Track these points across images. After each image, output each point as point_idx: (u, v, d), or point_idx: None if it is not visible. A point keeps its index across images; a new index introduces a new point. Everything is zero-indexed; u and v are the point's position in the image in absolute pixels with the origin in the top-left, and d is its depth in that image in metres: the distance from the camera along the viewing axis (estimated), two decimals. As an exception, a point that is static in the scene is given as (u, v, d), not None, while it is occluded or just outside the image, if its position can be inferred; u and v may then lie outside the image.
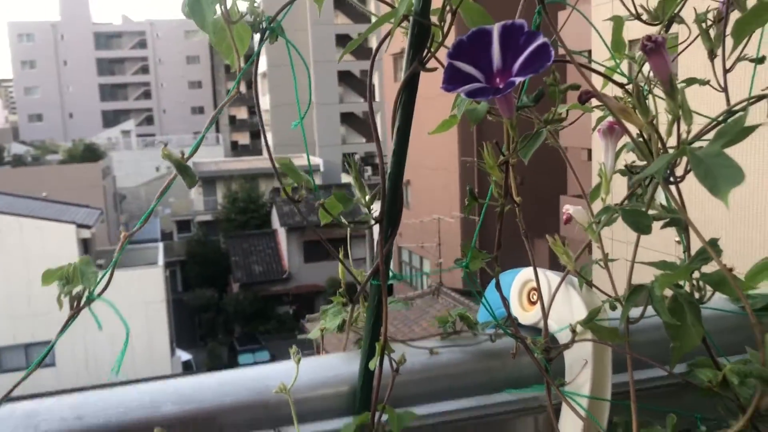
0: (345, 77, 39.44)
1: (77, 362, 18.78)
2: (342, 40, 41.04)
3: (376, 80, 40.30)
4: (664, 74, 0.62)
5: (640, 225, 0.71)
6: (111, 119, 55.39)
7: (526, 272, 0.82)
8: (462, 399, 0.74)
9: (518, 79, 0.57)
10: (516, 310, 0.82)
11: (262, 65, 40.58)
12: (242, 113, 52.48)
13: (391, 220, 0.67)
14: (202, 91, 54.81)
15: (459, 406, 0.74)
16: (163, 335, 22.04)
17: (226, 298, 27.93)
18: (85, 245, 22.51)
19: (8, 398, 0.65)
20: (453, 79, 0.58)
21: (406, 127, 0.66)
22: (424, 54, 0.64)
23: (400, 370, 0.72)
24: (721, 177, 0.55)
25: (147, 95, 56.00)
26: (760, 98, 0.75)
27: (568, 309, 0.75)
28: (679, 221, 0.73)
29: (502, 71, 0.59)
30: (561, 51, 0.69)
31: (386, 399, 0.68)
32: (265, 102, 41.56)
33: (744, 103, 0.77)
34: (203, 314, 27.64)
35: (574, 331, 0.70)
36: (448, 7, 0.61)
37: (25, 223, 20.89)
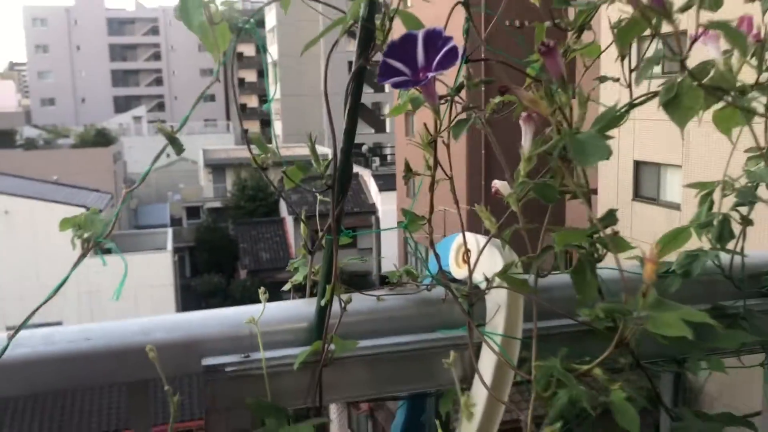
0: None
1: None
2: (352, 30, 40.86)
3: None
4: (556, 72, 0.78)
5: (547, 196, 0.87)
6: (122, 105, 55.71)
7: (467, 235, 0.98)
8: (401, 335, 0.90)
9: (434, 74, 0.73)
10: (453, 267, 0.97)
11: (273, 55, 40.71)
12: (253, 102, 52.63)
13: (341, 185, 0.83)
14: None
15: (398, 341, 0.90)
16: (170, 319, 22.36)
17: (233, 284, 28.20)
18: (95, 229, 22.76)
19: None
20: (386, 73, 0.74)
21: (354, 111, 0.82)
22: (369, 52, 0.80)
23: (351, 311, 0.88)
24: (590, 152, 0.71)
25: (159, 82, 56.30)
26: (655, 94, 0.90)
27: (491, 265, 0.91)
28: (583, 194, 0.88)
29: (425, 67, 0.75)
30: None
31: (334, 331, 0.84)
32: (275, 91, 41.67)
33: (643, 98, 0.92)
34: (210, 300, 27.92)
35: (487, 281, 0.86)
36: (386, 16, 0.77)
37: (36, 206, 21.15)
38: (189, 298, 27.96)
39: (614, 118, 0.75)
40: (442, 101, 0.79)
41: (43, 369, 0.80)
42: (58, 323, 0.85)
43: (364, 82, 0.82)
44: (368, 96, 39.02)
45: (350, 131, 0.82)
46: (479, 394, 0.89)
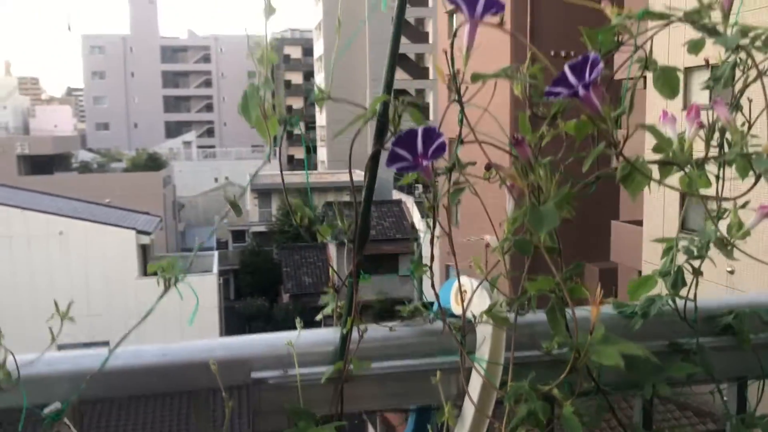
0: (399, 95, 40.04)
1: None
2: (399, 60, 41.51)
3: (431, 99, 40.63)
4: (524, 156, 1.02)
5: (524, 249, 1.10)
6: (173, 130, 57.41)
7: (463, 279, 1.21)
8: (408, 359, 1.14)
9: (429, 161, 0.97)
10: (453, 305, 1.20)
11: (320, 82, 41.60)
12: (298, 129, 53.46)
13: (360, 239, 1.08)
14: (261, 105, 56.28)
15: (405, 363, 1.13)
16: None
17: (275, 308, 28.68)
18: (144, 250, 23.49)
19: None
20: (393, 159, 0.99)
21: (371, 185, 1.07)
22: (384, 138, 1.05)
23: (367, 338, 1.12)
24: (544, 222, 0.94)
25: (209, 108, 57.95)
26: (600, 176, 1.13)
27: (481, 304, 1.14)
28: (553, 249, 1.11)
29: (423, 154, 0.99)
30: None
31: (353, 354, 1.08)
32: (320, 118, 42.56)
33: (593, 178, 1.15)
34: (253, 322, 28.47)
35: (474, 317, 1.09)
36: (396, 113, 1.02)
37: (88, 227, 21.94)
38: (232, 320, 28.52)
39: (566, 195, 0.98)
40: (439, 174, 1.03)
41: (132, 378, 1.06)
42: (105, 343, 1.06)
43: (379, 162, 1.07)
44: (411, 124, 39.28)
45: (367, 200, 1.07)
46: (469, 408, 1.12)
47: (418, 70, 42.58)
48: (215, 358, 1.08)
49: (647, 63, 1.17)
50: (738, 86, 1.26)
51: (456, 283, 1.22)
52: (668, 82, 1.18)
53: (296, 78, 52.13)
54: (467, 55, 1.03)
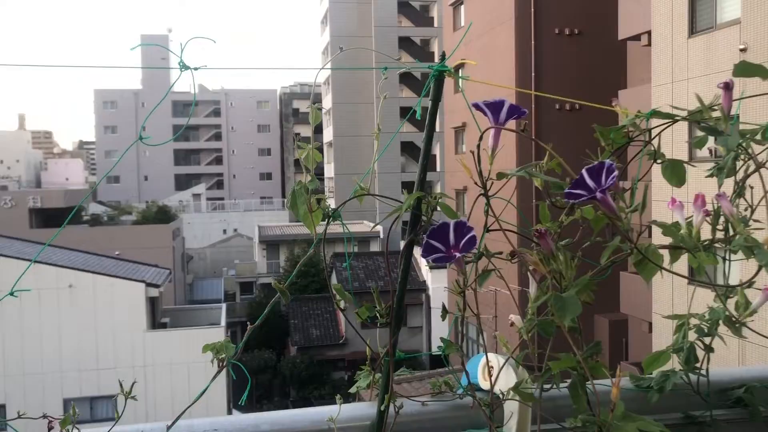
0: (407, 148, 40.62)
1: (138, 418, 19.46)
2: (405, 112, 42.32)
3: (437, 151, 41.14)
4: (547, 248, 1.12)
5: (547, 331, 1.19)
6: (183, 182, 58.01)
7: (490, 356, 1.30)
8: (439, 433, 1.22)
9: (461, 253, 1.07)
10: (480, 380, 1.29)
11: (328, 136, 42.26)
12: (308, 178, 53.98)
13: (396, 323, 1.17)
14: (270, 158, 57.01)
15: (437, 437, 1.22)
16: (221, 396, 22.64)
17: (283, 361, 28.46)
18: (153, 303, 23.52)
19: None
20: (428, 250, 1.09)
21: (406, 270, 1.17)
22: (417, 229, 1.16)
23: (402, 413, 1.21)
24: (567, 310, 1.04)
25: (218, 161, 58.67)
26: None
27: (508, 380, 1.22)
28: (574, 329, 1.20)
29: (455, 246, 1.10)
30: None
31: (390, 429, 1.16)
32: (329, 169, 42.99)
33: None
34: (260, 376, 28.24)
35: (502, 394, 1.18)
36: (428, 207, 1.13)
37: (98, 280, 22.01)
38: (240, 373, 28.24)
39: (587, 283, 1.08)
40: (468, 262, 1.13)
41: (185, 451, 1.14)
42: (112, 396, 1.14)
43: (413, 250, 1.17)
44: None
45: (402, 285, 1.17)
46: (498, 480, 1.19)
47: (423, 54, 43.08)
48: (261, 430, 1.16)
49: (656, 156, 1.29)
50: (740, 174, 1.37)
51: (483, 360, 1.30)
52: (675, 173, 1.29)
53: (306, 131, 52.91)
54: (492, 156, 1.14)
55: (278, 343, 30.25)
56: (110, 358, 20.76)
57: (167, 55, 57.70)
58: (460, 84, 1.22)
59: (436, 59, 1.19)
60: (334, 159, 41.44)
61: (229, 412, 23.55)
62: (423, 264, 28.72)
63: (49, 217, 36.59)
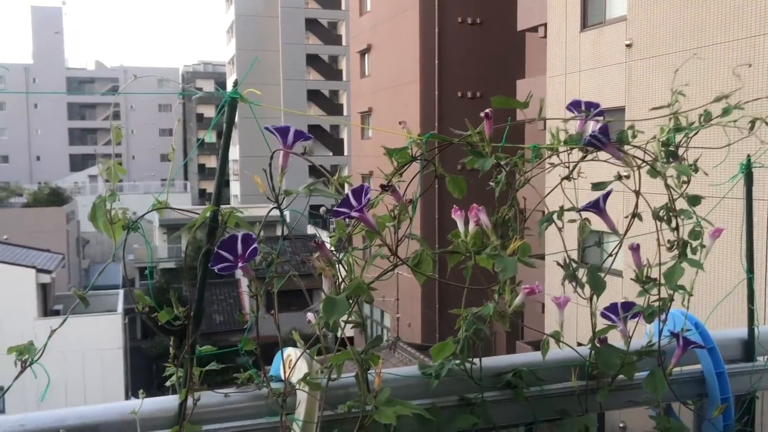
0: (314, 131, 40.52)
1: (29, 407, 18.73)
2: (312, 93, 42.23)
3: (345, 135, 41.18)
4: (325, 257, 1.28)
5: (330, 327, 1.35)
6: (79, 163, 55.55)
7: (289, 349, 1.45)
8: (240, 421, 1.37)
9: (246, 264, 1.21)
10: (281, 373, 1.44)
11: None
12: (212, 162, 53.01)
13: (195, 323, 1.30)
14: (172, 138, 55.46)
15: (236, 424, 1.36)
16: (118, 384, 22.10)
17: (184, 348, 27.97)
18: (44, 290, 22.61)
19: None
20: (217, 260, 1.23)
21: (204, 277, 1.30)
22: (215, 240, 1.29)
23: (202, 405, 1.34)
24: (334, 311, 1.20)
25: (118, 141, 56.39)
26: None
27: (301, 371, 1.38)
28: (359, 324, 1.37)
29: (242, 256, 1.24)
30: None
31: (188, 419, 1.30)
32: (234, 152, 42.32)
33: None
34: (160, 361, 27.64)
35: (290, 384, 1.34)
36: (223, 218, 1.27)
37: (-17, 266, 20.96)
38: (139, 360, 27.63)
39: (358, 286, 1.24)
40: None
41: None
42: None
43: (209, 261, 1.30)
44: (327, 159, 39.69)
45: (201, 289, 1.30)
46: (289, 461, 1.35)
47: (332, 106, 43.22)
48: (68, 426, 1.27)
49: (437, 172, 1.47)
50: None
51: (285, 352, 1.46)
52: (457, 186, 1.48)
53: (209, 111, 51.73)
54: (282, 175, 1.29)
55: (180, 329, 29.69)
56: (-2, 346, 19.81)
57: (61, 29, 54.80)
58: (252, 110, 1.35)
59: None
60: (239, 141, 40.81)
61: (127, 400, 23.02)
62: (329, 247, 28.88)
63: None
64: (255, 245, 1.22)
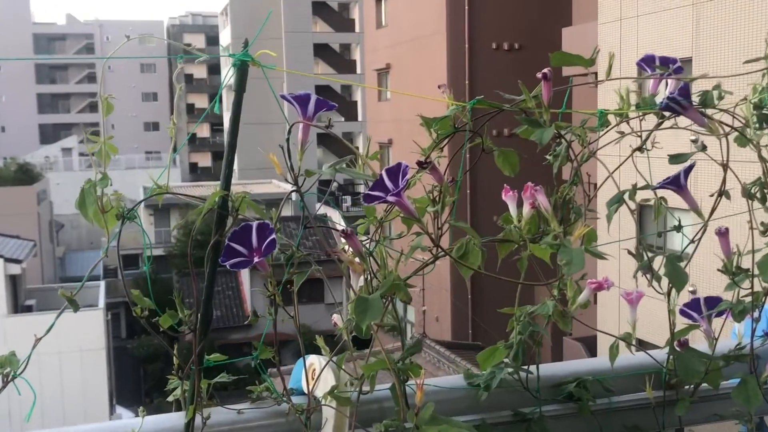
0: (322, 92, 40.46)
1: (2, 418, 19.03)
2: (320, 49, 42.13)
3: (359, 97, 41.08)
4: (356, 249, 1.26)
5: (361, 330, 1.34)
6: (50, 134, 55.95)
7: (312, 357, 1.45)
8: (257, 440, 1.37)
9: (263, 257, 1.21)
10: (303, 385, 1.44)
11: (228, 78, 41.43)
12: (203, 131, 53.17)
13: (202, 330, 1.30)
14: (157, 104, 55.67)
15: (254, 442, 1.36)
16: (101, 390, 22.42)
17: (177, 348, 28.30)
18: (14, 283, 22.87)
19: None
20: (228, 255, 1.22)
21: (213, 275, 1.29)
22: (223, 230, 1.28)
23: (214, 423, 1.34)
24: (368, 314, 1.19)
25: (93, 107, 56.77)
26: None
27: (327, 384, 1.37)
28: (395, 328, 1.36)
29: (258, 249, 1.23)
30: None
31: (198, 439, 1.30)
32: (226, 118, 42.38)
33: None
34: (150, 365, 28.04)
35: (315, 398, 1.33)
36: (233, 207, 1.26)
37: (-58, 257, 21.24)
38: (124, 363, 28.01)
39: (395, 284, 1.23)
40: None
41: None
42: None
43: (220, 254, 1.29)
44: (338, 125, 39.65)
45: (210, 287, 1.30)
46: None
47: (343, 62, 43.05)
48: (56, 449, 1.28)
49: (483, 144, 1.45)
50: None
51: (308, 360, 1.45)
52: (508, 161, 1.47)
53: (199, 72, 51.82)
54: (302, 152, 1.27)
55: (171, 326, 30.02)
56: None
57: (25, -23, 54.92)
58: (265, 73, 1.33)
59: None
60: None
61: (112, 408, 23.39)
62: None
63: None
64: (273, 236, 1.21)
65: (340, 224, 1.36)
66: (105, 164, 1.26)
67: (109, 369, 23.05)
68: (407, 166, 1.17)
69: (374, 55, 26.62)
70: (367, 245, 1.34)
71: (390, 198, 1.15)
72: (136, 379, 28.71)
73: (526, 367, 1.49)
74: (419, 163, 1.36)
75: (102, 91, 1.43)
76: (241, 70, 1.27)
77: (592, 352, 16.98)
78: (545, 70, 1.35)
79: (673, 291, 1.49)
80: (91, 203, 1.23)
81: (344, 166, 1.30)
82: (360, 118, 40.20)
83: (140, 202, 1.30)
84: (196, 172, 51.65)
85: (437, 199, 1.35)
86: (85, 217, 1.24)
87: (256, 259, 1.21)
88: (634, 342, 1.54)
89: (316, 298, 25.70)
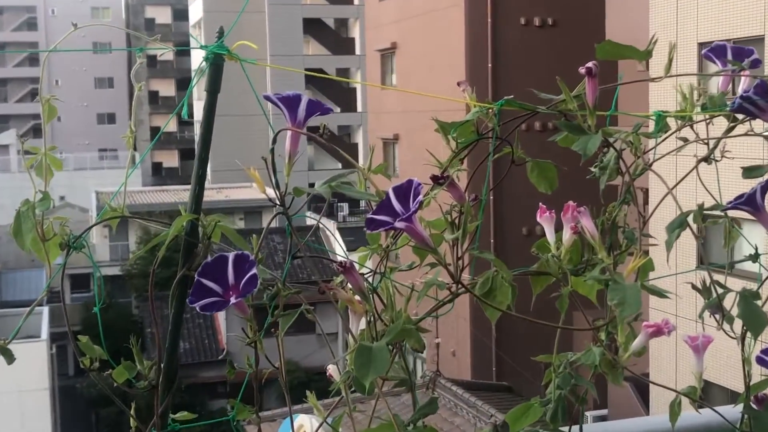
0: (314, 78, 40.52)
1: None
2: (309, 25, 42.24)
3: (359, 82, 41.06)
4: (355, 285, 1.25)
5: (361, 386, 1.32)
6: (-17, 128, 56.05)
7: (302, 418, 1.43)
8: None
9: (240, 297, 1.18)
10: (292, 450, 1.42)
11: (197, 61, 41.47)
12: (170, 124, 53.14)
13: (166, 384, 1.28)
14: (113, 91, 55.79)
15: None
16: (44, 437, 22.38)
17: (136, 387, 28.25)
18: (-63, 308, 22.85)
19: None
20: (198, 294, 1.20)
21: (179, 319, 1.27)
22: (192, 262, 1.26)
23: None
24: (372, 368, 1.17)
25: (35, 95, 56.81)
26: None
27: (321, 451, 1.35)
28: (405, 382, 1.34)
29: (235, 286, 1.21)
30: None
31: None
32: (199, 108, 42.46)
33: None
34: (103, 409, 27.93)
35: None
36: (205, 233, 1.24)
37: None
38: (72, 406, 27.95)
39: (404, 330, 1.21)
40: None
41: None
42: None
43: (187, 289, 1.27)
44: (332, 117, 39.71)
45: (174, 334, 1.28)
46: None
47: (339, 42, 43.10)
48: None
49: (513, 155, 1.44)
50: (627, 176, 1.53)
51: (297, 422, 1.43)
52: (544, 176, 1.45)
53: (164, 58, 51.87)
54: (290, 166, 1.25)
55: (131, 361, 29.97)
56: None
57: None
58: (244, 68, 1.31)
59: None
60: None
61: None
62: (339, 242, 28.89)
63: None
64: (254, 271, 1.18)
65: (335, 237, 1.34)
66: (46, 181, 1.24)
67: (53, 414, 23.04)
68: (419, 185, 1.14)
69: (377, 32, 26.66)
70: (370, 280, 1.32)
71: (399, 224, 1.13)
72: (86, 427, 28.62)
73: (566, 428, 1.46)
74: (434, 178, 1.34)
75: (44, 86, 1.40)
76: (215, 65, 1.25)
77: (643, 395, 16.94)
78: (590, 64, 1.33)
79: (748, 335, 1.47)
80: (29, 229, 1.21)
81: (342, 183, 1.28)
82: (360, 109, 40.23)
83: (88, 229, 1.27)
84: (160, 174, 51.65)
85: (457, 222, 1.32)
86: (22, 246, 1.22)
87: (232, 300, 1.18)
88: (699, 397, 1.51)
89: (306, 329, 25.60)
